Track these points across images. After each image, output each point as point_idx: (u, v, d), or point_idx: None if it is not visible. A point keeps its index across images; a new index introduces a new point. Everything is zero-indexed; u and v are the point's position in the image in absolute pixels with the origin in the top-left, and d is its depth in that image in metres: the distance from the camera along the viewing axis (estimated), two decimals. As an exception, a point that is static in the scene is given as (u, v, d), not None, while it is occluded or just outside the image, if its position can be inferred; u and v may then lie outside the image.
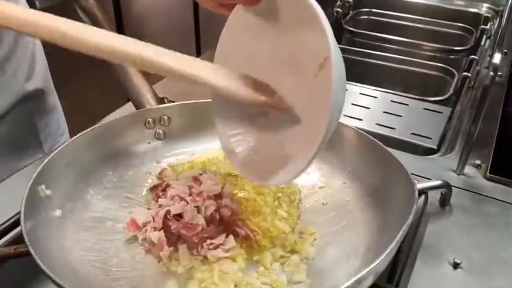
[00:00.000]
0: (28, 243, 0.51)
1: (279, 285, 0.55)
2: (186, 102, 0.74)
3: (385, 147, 0.64)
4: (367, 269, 0.46)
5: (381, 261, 0.47)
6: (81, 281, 0.54)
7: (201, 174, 0.67)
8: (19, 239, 0.65)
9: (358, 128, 0.70)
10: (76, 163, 0.66)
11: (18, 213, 0.63)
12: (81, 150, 0.67)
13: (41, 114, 0.94)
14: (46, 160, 0.62)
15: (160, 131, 0.75)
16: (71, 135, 0.76)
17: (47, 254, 0.52)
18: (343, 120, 0.71)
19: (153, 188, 0.68)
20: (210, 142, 0.75)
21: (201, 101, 0.74)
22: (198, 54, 1.82)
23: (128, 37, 0.52)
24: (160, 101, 0.81)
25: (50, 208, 0.60)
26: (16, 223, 0.64)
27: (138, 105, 0.79)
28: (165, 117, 0.75)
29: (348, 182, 0.69)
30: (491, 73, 0.71)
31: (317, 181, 0.71)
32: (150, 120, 0.74)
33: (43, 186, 0.60)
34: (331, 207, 0.67)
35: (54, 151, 0.64)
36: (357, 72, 1.31)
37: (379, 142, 0.66)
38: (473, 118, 0.77)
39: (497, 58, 0.70)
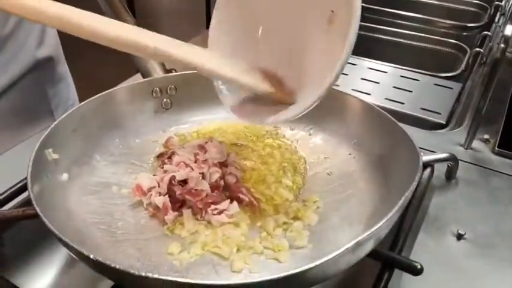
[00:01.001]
0: (35, 204, 0.51)
1: (281, 249, 0.55)
2: (192, 71, 0.74)
3: (391, 118, 0.64)
4: (368, 233, 0.46)
5: (382, 226, 0.47)
6: (87, 241, 0.55)
7: (206, 143, 0.67)
8: (27, 203, 0.67)
9: (366, 102, 0.71)
10: (83, 129, 0.67)
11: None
12: (88, 117, 0.68)
13: (51, 83, 0.95)
14: (53, 124, 0.62)
15: (167, 101, 0.76)
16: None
17: (53, 215, 0.53)
18: (351, 93, 0.72)
19: (159, 156, 0.69)
20: (216, 112, 0.76)
21: None
22: (208, 26, 1.81)
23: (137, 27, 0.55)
24: (168, 72, 0.81)
25: (57, 172, 0.61)
26: (24, 187, 0.66)
27: (146, 75, 0.79)
28: (171, 86, 0.75)
29: (353, 153, 0.69)
30: (502, 45, 0.70)
31: (322, 151, 0.71)
32: (157, 89, 0.74)
33: (50, 150, 0.60)
34: (336, 177, 0.67)
35: (61, 116, 0.64)
36: (367, 47, 1.30)
37: (385, 112, 0.65)
38: (483, 92, 0.76)
39: (509, 30, 0.69)
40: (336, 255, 0.44)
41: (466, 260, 0.62)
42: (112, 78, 1.01)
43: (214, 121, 0.76)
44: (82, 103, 0.68)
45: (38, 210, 0.51)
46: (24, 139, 0.81)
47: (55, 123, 0.62)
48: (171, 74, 0.77)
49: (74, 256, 0.49)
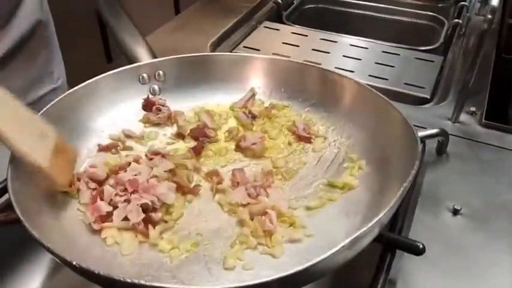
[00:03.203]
0: (17, 209, 0.48)
1: (275, 244, 0.53)
2: (181, 55, 0.71)
3: (389, 101, 0.63)
4: (368, 226, 0.44)
5: (387, 213, 0.46)
6: (73, 243, 0.52)
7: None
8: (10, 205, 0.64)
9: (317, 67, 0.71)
10: (69, 119, 0.64)
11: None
12: (74, 106, 0.65)
13: (49, 45, 0.93)
14: (38, 115, 0.59)
15: (156, 87, 0.73)
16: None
17: (37, 219, 0.50)
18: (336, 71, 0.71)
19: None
20: (206, 97, 0.74)
21: (196, 54, 0.71)
22: (177, 12, 1.75)
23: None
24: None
25: None
26: (4, 189, 0.62)
27: (132, 61, 0.75)
28: (160, 72, 0.72)
29: (345, 137, 0.68)
30: (490, 16, 0.69)
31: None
32: (145, 75, 0.71)
33: None
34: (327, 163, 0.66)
35: (46, 107, 0.61)
36: (343, 23, 1.28)
37: (380, 94, 0.64)
38: (470, 65, 0.75)
39: (495, 0, 0.68)
40: (335, 251, 0.43)
41: (464, 236, 0.62)
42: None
43: (205, 106, 0.74)
44: (66, 93, 0.65)
45: (21, 217, 0.47)
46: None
47: (39, 114, 0.59)
48: (158, 59, 0.73)
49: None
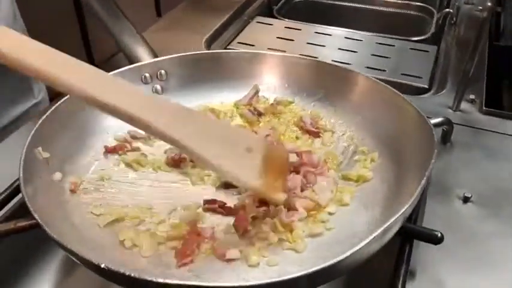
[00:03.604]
0: (36, 215, 0.47)
1: (296, 239, 0.53)
2: (183, 54, 0.70)
3: (398, 92, 0.63)
4: (395, 217, 0.44)
5: (412, 203, 0.46)
6: (89, 245, 0.51)
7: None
8: (15, 213, 0.63)
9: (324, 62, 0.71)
10: (72, 123, 0.63)
11: (11, 185, 0.60)
12: (75, 110, 0.63)
13: None
14: (40, 121, 0.58)
15: (158, 86, 0.71)
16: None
17: (53, 223, 0.49)
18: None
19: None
20: (209, 95, 0.73)
21: (198, 52, 0.70)
22: (158, 14, 1.72)
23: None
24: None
25: (49, 171, 0.57)
26: (10, 196, 0.61)
27: (133, 61, 0.74)
28: (162, 71, 0.71)
29: (359, 130, 0.68)
30: (490, 4, 0.70)
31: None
32: (147, 75, 0.70)
33: (40, 149, 0.56)
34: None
35: (47, 111, 0.60)
36: (333, 16, 1.28)
37: (388, 86, 0.64)
38: (470, 53, 0.76)
39: (495, -12, 0.69)
40: (367, 242, 0.43)
41: (477, 223, 0.62)
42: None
43: (209, 105, 0.72)
44: (67, 96, 0.63)
45: (40, 221, 0.46)
46: (7, 121, 0.79)
47: (41, 119, 0.58)
48: (160, 58, 0.72)
49: (82, 265, 0.45)
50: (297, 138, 0.68)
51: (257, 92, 0.73)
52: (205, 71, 0.70)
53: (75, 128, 0.63)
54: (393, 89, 0.63)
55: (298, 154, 0.61)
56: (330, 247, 0.52)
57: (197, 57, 0.71)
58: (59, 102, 0.62)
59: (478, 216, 0.63)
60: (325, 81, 0.71)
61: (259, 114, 0.70)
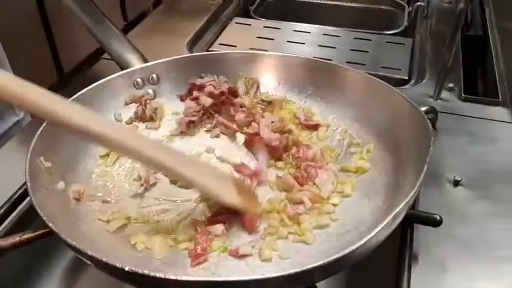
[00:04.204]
0: (51, 224, 0.47)
1: (304, 232, 0.54)
2: (175, 57, 0.71)
3: (388, 85, 0.65)
4: (403, 203, 0.46)
5: (416, 191, 0.48)
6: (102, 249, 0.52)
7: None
8: (15, 227, 0.62)
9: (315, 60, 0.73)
10: (65, 132, 0.61)
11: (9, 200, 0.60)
12: None
13: None
14: (39, 130, 0.57)
15: (151, 91, 0.72)
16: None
17: (63, 229, 0.48)
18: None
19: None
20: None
21: (188, 55, 0.70)
22: (125, 19, 1.71)
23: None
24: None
25: (53, 181, 0.57)
26: (11, 208, 0.60)
27: (124, 66, 0.74)
28: (153, 75, 0.71)
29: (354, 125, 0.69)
30: (465, -4, 0.73)
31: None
32: (139, 80, 0.70)
33: (42, 159, 0.56)
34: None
35: (45, 121, 0.59)
36: (307, 13, 1.31)
37: (382, 81, 0.66)
38: (449, 44, 0.79)
39: (470, -19, 0.72)
40: (378, 230, 0.44)
41: (469, 205, 0.65)
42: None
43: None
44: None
45: (57, 231, 0.46)
46: None
47: (40, 128, 0.57)
48: (151, 62, 0.72)
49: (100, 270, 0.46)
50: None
51: (258, 85, 0.74)
52: (197, 73, 0.71)
53: (68, 138, 0.62)
54: (382, 82, 0.66)
55: (299, 148, 0.62)
56: (339, 237, 0.53)
57: (188, 59, 0.72)
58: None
59: (469, 198, 0.66)
60: (315, 78, 0.73)
61: (269, 103, 0.72)
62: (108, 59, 0.97)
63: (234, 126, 0.68)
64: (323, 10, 1.33)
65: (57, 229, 0.46)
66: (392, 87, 0.64)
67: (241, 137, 0.69)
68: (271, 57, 0.75)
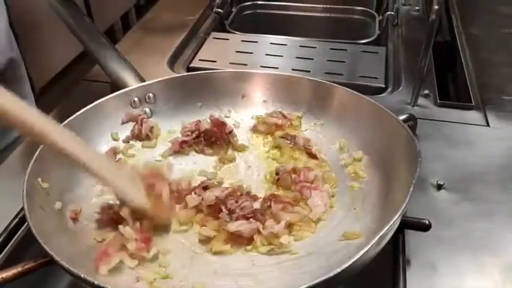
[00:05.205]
0: (53, 254, 0.48)
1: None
2: (170, 77, 0.73)
3: (386, 110, 0.68)
4: (402, 209, 0.50)
5: (407, 203, 0.51)
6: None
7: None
8: (12, 255, 0.62)
9: (309, 79, 0.75)
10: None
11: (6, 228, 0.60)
12: None
13: (18, 85, 0.91)
14: (37, 152, 0.59)
15: (147, 109, 0.74)
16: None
17: (67, 255, 0.49)
18: (293, 73, 0.75)
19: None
20: (199, 115, 0.75)
21: (185, 74, 0.73)
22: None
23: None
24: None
25: (50, 202, 0.58)
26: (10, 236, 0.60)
27: (121, 86, 0.75)
28: (150, 94, 0.73)
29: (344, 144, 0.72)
30: (436, 7, 0.77)
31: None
32: (136, 99, 0.72)
33: (39, 179, 0.57)
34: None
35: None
36: (281, 25, 1.34)
37: (370, 99, 0.70)
38: (423, 52, 0.83)
39: (437, -8, 0.76)
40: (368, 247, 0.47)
41: (453, 207, 0.68)
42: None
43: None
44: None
45: (62, 262, 0.47)
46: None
47: (38, 150, 0.59)
48: (148, 82, 0.74)
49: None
50: (295, 159, 0.71)
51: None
52: (191, 92, 0.73)
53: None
54: (370, 99, 0.69)
55: (297, 172, 0.65)
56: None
57: (183, 79, 0.74)
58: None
59: (452, 200, 0.70)
60: (307, 96, 0.75)
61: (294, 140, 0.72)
62: (89, 81, 0.98)
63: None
64: (296, 21, 1.36)
65: (56, 255, 0.47)
66: (381, 105, 0.68)
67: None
68: (259, 76, 0.77)
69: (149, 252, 0.55)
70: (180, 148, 0.69)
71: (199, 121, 0.71)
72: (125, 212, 0.56)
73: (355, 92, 0.72)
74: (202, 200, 0.59)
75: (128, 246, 0.54)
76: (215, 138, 0.70)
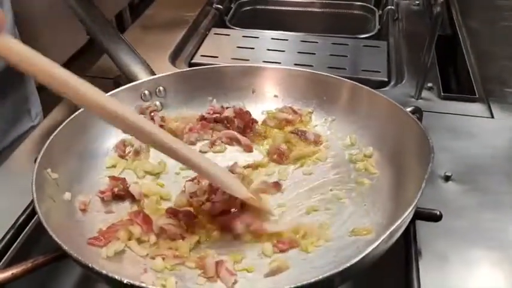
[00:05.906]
0: (64, 246, 0.47)
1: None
2: (180, 70, 0.73)
3: (399, 105, 0.67)
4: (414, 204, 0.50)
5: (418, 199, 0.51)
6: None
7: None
8: (20, 252, 0.61)
9: (321, 74, 0.74)
10: (77, 144, 0.64)
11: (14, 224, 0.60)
12: (79, 131, 0.64)
13: (24, 81, 0.90)
14: (47, 143, 0.58)
15: (158, 103, 0.73)
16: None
17: (75, 246, 0.49)
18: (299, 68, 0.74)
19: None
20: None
21: (195, 68, 0.73)
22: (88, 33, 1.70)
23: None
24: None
25: (59, 192, 0.58)
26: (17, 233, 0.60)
27: (132, 79, 0.75)
28: (160, 88, 0.73)
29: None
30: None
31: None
32: (146, 92, 0.72)
33: (49, 170, 0.57)
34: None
35: (53, 134, 0.61)
36: (280, 21, 1.33)
37: (375, 91, 0.70)
38: (428, 45, 0.83)
39: (442, -14, 0.76)
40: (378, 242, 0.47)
41: (462, 198, 0.69)
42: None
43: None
44: (70, 118, 0.64)
45: (71, 251, 0.47)
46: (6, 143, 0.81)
47: (48, 141, 0.59)
48: (158, 75, 0.74)
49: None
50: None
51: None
52: (201, 86, 0.73)
53: (81, 147, 0.64)
54: (383, 95, 0.69)
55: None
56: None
57: (194, 72, 0.74)
58: (62, 125, 0.62)
59: (460, 191, 0.70)
60: (318, 91, 0.75)
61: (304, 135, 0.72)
62: (91, 77, 0.97)
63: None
64: (295, 17, 1.36)
65: (67, 246, 0.47)
66: (394, 101, 0.68)
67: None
68: (269, 70, 0.77)
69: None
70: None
71: (223, 107, 0.72)
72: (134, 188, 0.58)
73: (366, 87, 0.71)
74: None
75: (130, 229, 0.55)
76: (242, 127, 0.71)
